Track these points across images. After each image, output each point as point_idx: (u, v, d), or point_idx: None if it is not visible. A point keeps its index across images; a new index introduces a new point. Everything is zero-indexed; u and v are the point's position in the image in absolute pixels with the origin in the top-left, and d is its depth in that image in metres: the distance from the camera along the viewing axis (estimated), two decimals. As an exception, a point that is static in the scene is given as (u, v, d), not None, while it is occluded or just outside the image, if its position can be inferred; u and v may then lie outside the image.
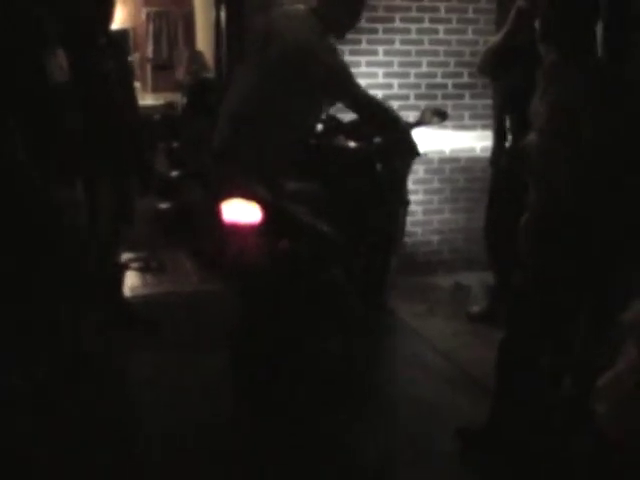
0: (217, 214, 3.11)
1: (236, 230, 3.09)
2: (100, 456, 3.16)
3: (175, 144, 7.49)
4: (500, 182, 4.21)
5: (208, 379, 3.71)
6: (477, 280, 4.97)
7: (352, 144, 4.06)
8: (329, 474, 3.11)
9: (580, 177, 2.77)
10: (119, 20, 8.68)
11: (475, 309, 4.65)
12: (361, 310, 3.82)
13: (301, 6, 3.58)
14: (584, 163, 2.74)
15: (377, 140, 4.10)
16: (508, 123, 3.92)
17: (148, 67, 12.19)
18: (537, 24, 2.95)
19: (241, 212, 3.07)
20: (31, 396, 3.51)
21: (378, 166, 3.97)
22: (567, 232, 2.80)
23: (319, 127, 4.35)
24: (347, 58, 5.07)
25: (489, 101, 4.86)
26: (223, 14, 5.25)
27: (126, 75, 4.50)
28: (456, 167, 5.48)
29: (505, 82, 4.08)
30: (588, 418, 2.41)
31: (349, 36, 4.97)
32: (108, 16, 4.25)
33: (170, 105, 8.75)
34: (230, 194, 3.10)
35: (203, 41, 10.06)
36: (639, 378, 2.24)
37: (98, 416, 3.46)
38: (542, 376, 3.04)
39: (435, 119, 4.25)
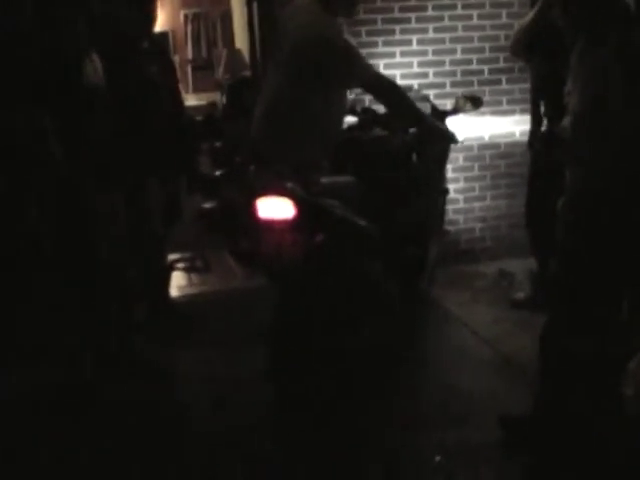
0: (253, 211, 3.13)
1: (271, 226, 3.11)
2: (139, 453, 3.24)
3: (218, 143, 7.56)
4: (538, 166, 4.18)
5: (250, 375, 3.74)
6: (521, 267, 4.92)
7: (387, 135, 4.06)
8: (369, 466, 3.13)
9: (613, 157, 2.74)
10: (158, 23, 8.74)
11: (519, 296, 4.61)
12: (400, 301, 3.82)
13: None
14: (616, 144, 2.71)
15: (413, 130, 4.10)
16: (543, 107, 3.89)
17: (188, 68, 12.30)
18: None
19: (276, 208, 3.09)
20: (77, 395, 3.60)
21: (414, 156, 3.96)
22: (602, 213, 2.77)
23: (355, 120, 4.37)
24: (381, 49, 5.10)
25: (526, 85, 4.79)
26: (255, 12, 5.28)
27: (171, 77, 4.57)
28: (496, 153, 5.42)
29: (539, 64, 4.04)
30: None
31: (382, 26, 5.05)
32: (151, 20, 4.32)
33: (212, 105, 8.85)
34: (264, 191, 3.13)
35: (241, 40, 10.11)
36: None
37: (141, 414, 3.55)
38: (586, 363, 2.99)
39: (470, 106, 4.22)
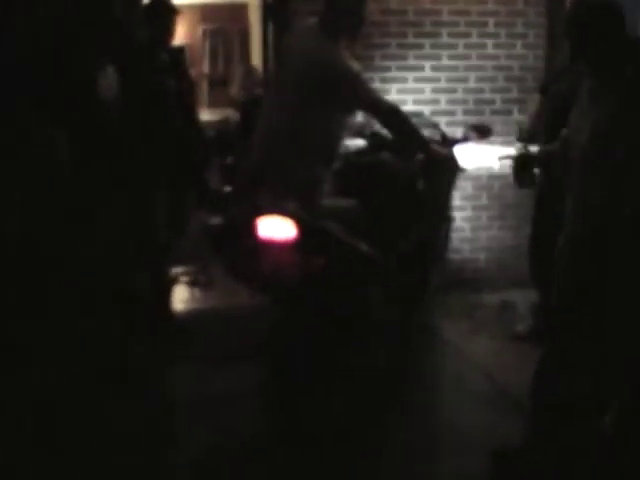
0: (253, 230, 3.12)
1: (271, 247, 3.10)
2: (136, 464, 3.21)
3: (229, 160, 7.56)
4: (543, 199, 4.16)
5: (247, 392, 3.72)
6: (524, 299, 4.87)
7: (394, 161, 4.04)
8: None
9: (613, 199, 2.72)
10: (176, 37, 8.78)
11: (521, 328, 4.57)
12: (399, 328, 3.79)
13: (311, 21, 3.65)
14: (618, 186, 2.69)
15: (420, 157, 4.08)
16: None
17: (204, 83, 12.34)
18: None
19: (276, 229, 3.08)
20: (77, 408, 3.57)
21: (420, 183, 3.94)
22: (599, 252, 2.75)
23: (363, 143, 4.36)
24: (394, 74, 5.10)
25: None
26: (270, 30, 5.29)
27: (188, 91, 4.58)
28: (505, 183, 5.37)
29: (553, 101, 4.04)
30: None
31: (396, 51, 5.05)
32: (169, 33, 4.34)
33: (225, 121, 8.85)
34: (266, 211, 3.12)
35: (258, 57, 10.14)
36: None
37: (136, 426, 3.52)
38: (580, 399, 2.96)
39: (478, 135, 4.20)
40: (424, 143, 3.74)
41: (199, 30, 12.55)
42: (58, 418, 3.50)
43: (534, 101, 4.57)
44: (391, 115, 3.60)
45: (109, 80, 3.76)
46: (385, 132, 4.33)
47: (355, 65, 3.53)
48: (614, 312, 2.79)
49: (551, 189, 3.73)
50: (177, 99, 4.34)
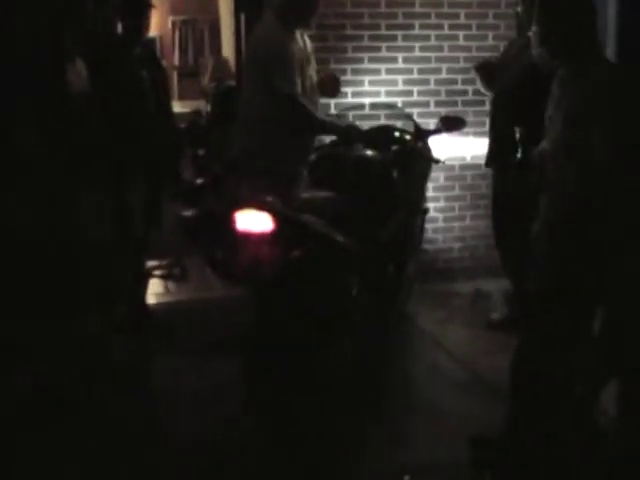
0: (231, 223, 3.12)
1: (249, 239, 3.11)
2: (116, 459, 3.22)
3: (201, 151, 7.55)
4: (505, 188, 4.22)
5: (223, 385, 3.74)
6: (498, 287, 4.92)
7: (369, 152, 4.07)
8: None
9: (592, 185, 2.76)
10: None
11: (495, 316, 4.63)
12: (376, 318, 3.82)
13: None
14: (596, 172, 2.74)
15: (394, 148, 4.11)
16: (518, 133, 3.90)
17: (174, 75, 12.28)
18: (532, 34, 2.95)
19: (254, 221, 3.09)
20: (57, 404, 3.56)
21: (394, 174, 3.97)
22: (579, 237, 2.79)
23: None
24: (366, 65, 5.12)
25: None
26: (242, 22, 5.28)
27: (162, 83, 4.57)
28: (477, 174, 5.44)
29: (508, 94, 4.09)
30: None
31: (369, 43, 5.06)
32: (144, 27, 4.32)
33: (196, 113, 8.83)
34: (243, 203, 3.13)
35: (229, 49, 10.11)
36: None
37: (115, 421, 3.52)
38: (557, 385, 3.01)
39: (451, 126, 4.24)
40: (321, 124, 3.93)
41: (168, 22, 12.49)
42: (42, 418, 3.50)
43: None
44: (296, 113, 3.76)
45: (78, 73, 3.75)
46: (360, 125, 4.38)
47: (300, 53, 3.81)
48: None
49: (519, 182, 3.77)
50: (151, 91, 4.32)
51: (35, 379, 3.69)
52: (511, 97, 4.07)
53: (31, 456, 3.23)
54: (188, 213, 6.46)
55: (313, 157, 4.09)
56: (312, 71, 4.07)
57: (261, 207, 3.08)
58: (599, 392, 3.13)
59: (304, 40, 3.96)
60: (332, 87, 4.23)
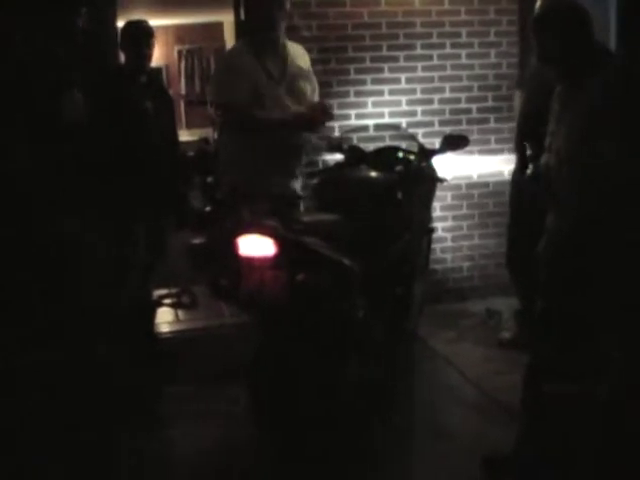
0: (233, 248, 3.12)
1: (252, 264, 3.10)
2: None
3: (209, 179, 7.56)
4: (520, 205, 4.19)
5: (230, 413, 3.74)
6: (508, 306, 4.87)
7: (373, 173, 4.05)
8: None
9: (598, 201, 2.73)
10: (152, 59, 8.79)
11: (506, 335, 4.58)
12: (386, 340, 3.79)
13: None
14: (598, 188, 2.71)
15: (399, 168, 4.10)
16: (529, 149, 3.88)
17: (181, 103, 12.34)
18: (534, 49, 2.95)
19: (256, 246, 3.08)
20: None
21: (399, 194, 3.95)
22: (583, 254, 2.76)
23: (341, 157, 4.38)
24: (369, 87, 5.13)
25: (514, 124, 4.82)
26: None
27: (168, 113, 4.58)
28: (484, 192, 5.43)
29: (524, 105, 4.07)
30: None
31: (371, 64, 5.08)
32: (146, 56, 4.34)
33: (204, 140, 8.86)
34: (245, 229, 3.12)
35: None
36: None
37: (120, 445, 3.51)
38: (568, 402, 2.96)
39: (456, 145, 4.23)
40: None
41: (174, 51, 12.58)
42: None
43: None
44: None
45: (75, 102, 3.77)
46: (363, 146, 4.38)
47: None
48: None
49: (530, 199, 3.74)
50: (156, 121, 4.33)
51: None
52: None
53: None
54: (196, 241, 6.47)
55: (317, 180, 4.09)
56: (308, 87, 4.22)
57: (263, 232, 3.07)
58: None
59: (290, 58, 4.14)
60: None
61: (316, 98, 4.32)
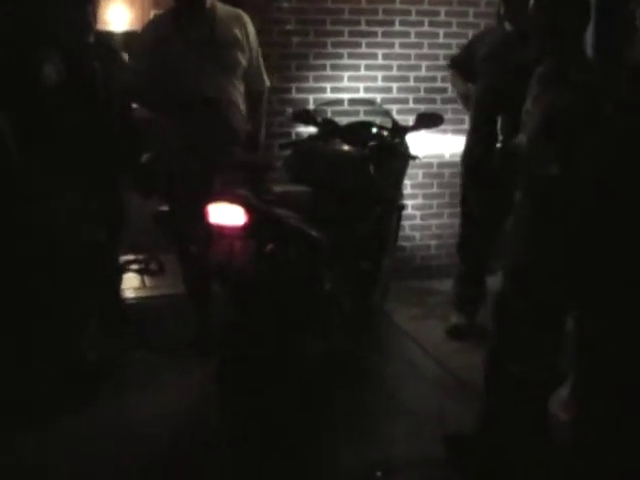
0: (203, 216, 3.10)
1: (222, 232, 3.08)
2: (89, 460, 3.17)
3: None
4: (472, 181, 4.32)
5: (196, 382, 3.75)
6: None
7: (346, 147, 4.05)
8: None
9: (568, 182, 2.76)
10: (127, 22, 8.72)
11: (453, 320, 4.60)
12: (352, 314, 3.80)
13: None
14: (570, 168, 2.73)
15: (372, 143, 4.09)
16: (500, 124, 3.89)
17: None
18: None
19: (227, 215, 3.06)
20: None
21: (372, 170, 3.95)
22: (553, 232, 2.79)
23: (315, 130, 4.36)
24: (346, 61, 5.12)
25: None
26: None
27: (123, 75, 4.45)
28: (455, 171, 5.39)
29: (496, 81, 4.08)
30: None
31: (349, 39, 5.06)
32: (93, 17, 4.22)
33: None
34: (216, 197, 3.09)
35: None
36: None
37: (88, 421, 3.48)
38: (528, 383, 3.00)
39: (429, 123, 4.23)
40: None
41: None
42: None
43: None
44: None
45: (55, 63, 3.70)
46: (338, 120, 4.36)
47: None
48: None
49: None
50: (106, 82, 4.19)
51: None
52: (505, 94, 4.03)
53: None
54: (165, 208, 6.40)
55: (290, 151, 4.07)
56: (241, 57, 4.05)
57: (234, 200, 3.05)
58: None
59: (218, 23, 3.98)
60: None
61: (263, 73, 4.29)
